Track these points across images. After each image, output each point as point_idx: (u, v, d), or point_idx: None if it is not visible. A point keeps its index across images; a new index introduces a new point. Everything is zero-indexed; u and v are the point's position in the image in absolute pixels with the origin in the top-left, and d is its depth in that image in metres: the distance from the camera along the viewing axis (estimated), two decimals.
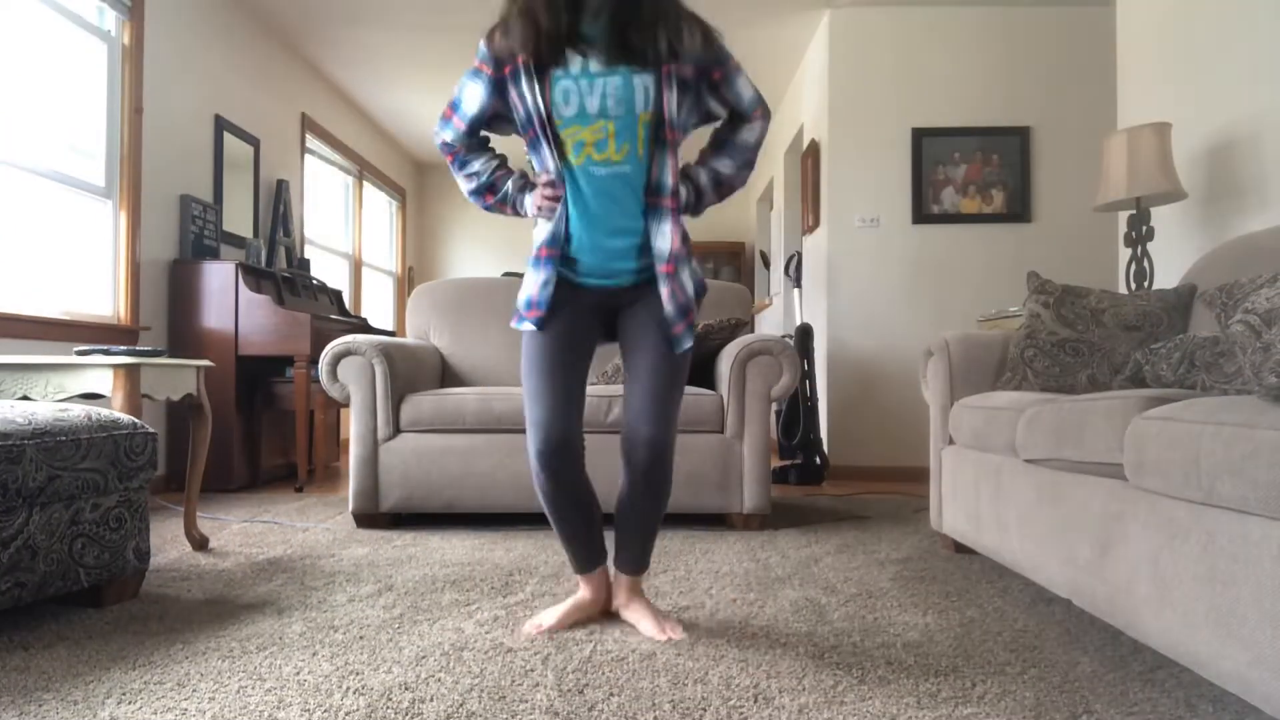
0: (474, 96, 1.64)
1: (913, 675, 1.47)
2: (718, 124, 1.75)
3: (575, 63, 1.54)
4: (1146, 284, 2.89)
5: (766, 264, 6.20)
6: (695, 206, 1.72)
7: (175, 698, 1.35)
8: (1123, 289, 3.15)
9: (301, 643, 1.63)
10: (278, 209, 4.85)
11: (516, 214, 1.70)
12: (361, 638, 1.66)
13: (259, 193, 4.75)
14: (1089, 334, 2.27)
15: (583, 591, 1.81)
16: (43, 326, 3.06)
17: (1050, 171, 4.50)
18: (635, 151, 1.56)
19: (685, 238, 1.65)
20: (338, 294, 5.02)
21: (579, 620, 1.76)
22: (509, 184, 1.69)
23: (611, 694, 1.37)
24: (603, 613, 1.82)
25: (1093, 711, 1.31)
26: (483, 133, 1.73)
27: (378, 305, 7.00)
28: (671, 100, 1.54)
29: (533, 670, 1.48)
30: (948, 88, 4.53)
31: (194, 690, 1.39)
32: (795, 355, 2.91)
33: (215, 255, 4.13)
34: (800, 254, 5.01)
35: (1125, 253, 3.12)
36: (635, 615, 1.75)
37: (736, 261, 7.82)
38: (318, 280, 4.81)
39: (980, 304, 4.47)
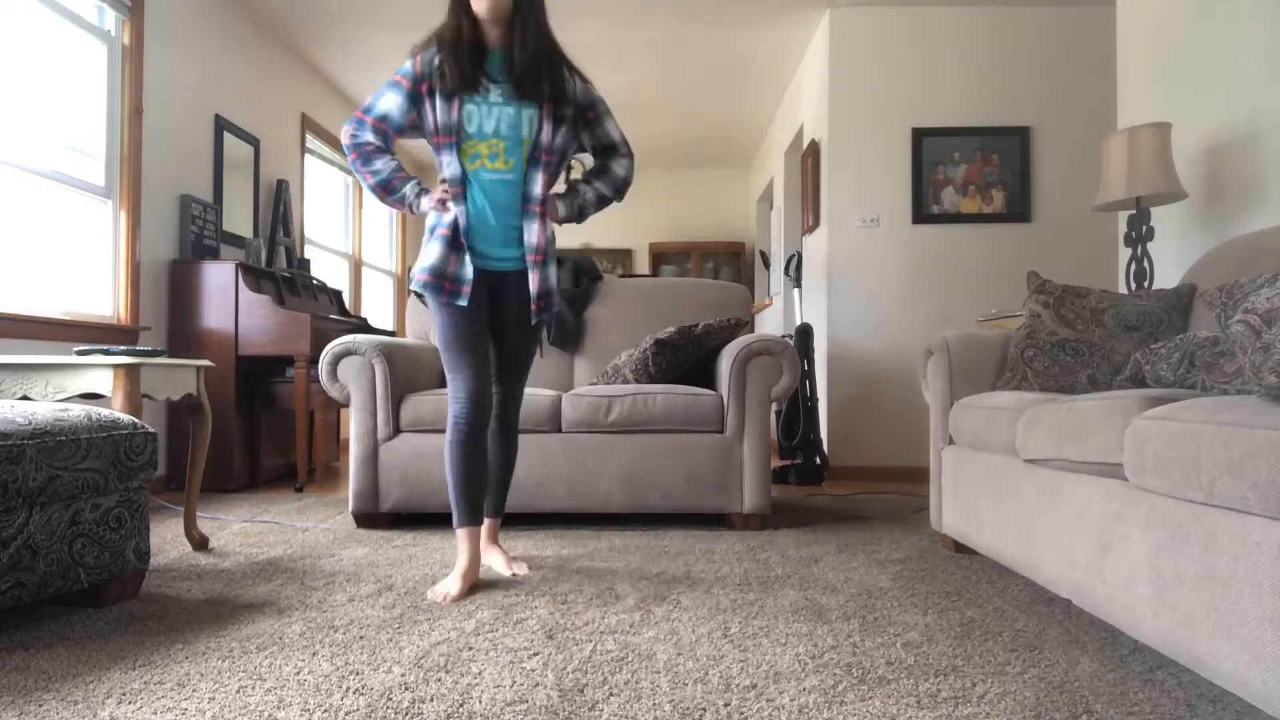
0: (393, 103, 2.04)
1: (913, 675, 1.47)
2: (594, 160, 2.23)
3: (481, 92, 2.01)
4: (1146, 284, 2.89)
5: (766, 264, 6.20)
6: (580, 214, 2.18)
7: (175, 698, 1.35)
8: (1123, 289, 3.15)
9: (301, 643, 1.63)
10: (278, 209, 4.85)
11: (411, 212, 2.09)
12: (361, 638, 1.66)
13: (259, 193, 4.75)
14: (1089, 334, 2.27)
15: (466, 555, 2.06)
16: (43, 326, 3.06)
17: (1050, 171, 4.50)
18: (520, 165, 2.03)
19: (551, 239, 2.14)
20: (338, 294, 5.02)
21: (476, 580, 2.09)
22: (406, 188, 2.06)
23: (611, 694, 1.37)
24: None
25: (1093, 711, 1.31)
26: (398, 140, 2.12)
27: (378, 305, 7.00)
28: (547, 130, 2.03)
29: (533, 670, 1.48)
30: (948, 88, 4.53)
31: (194, 690, 1.39)
32: (795, 355, 2.91)
33: (215, 255, 4.13)
34: (800, 254, 5.01)
35: (1125, 253, 3.12)
36: (491, 557, 2.24)
37: (736, 261, 7.82)
38: (318, 280, 4.81)
39: (980, 304, 4.47)
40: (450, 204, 2.02)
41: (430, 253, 2.04)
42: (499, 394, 2.21)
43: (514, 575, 2.16)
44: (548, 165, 2.04)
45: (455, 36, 1.99)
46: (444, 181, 2.02)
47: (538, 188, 2.04)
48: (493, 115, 2.00)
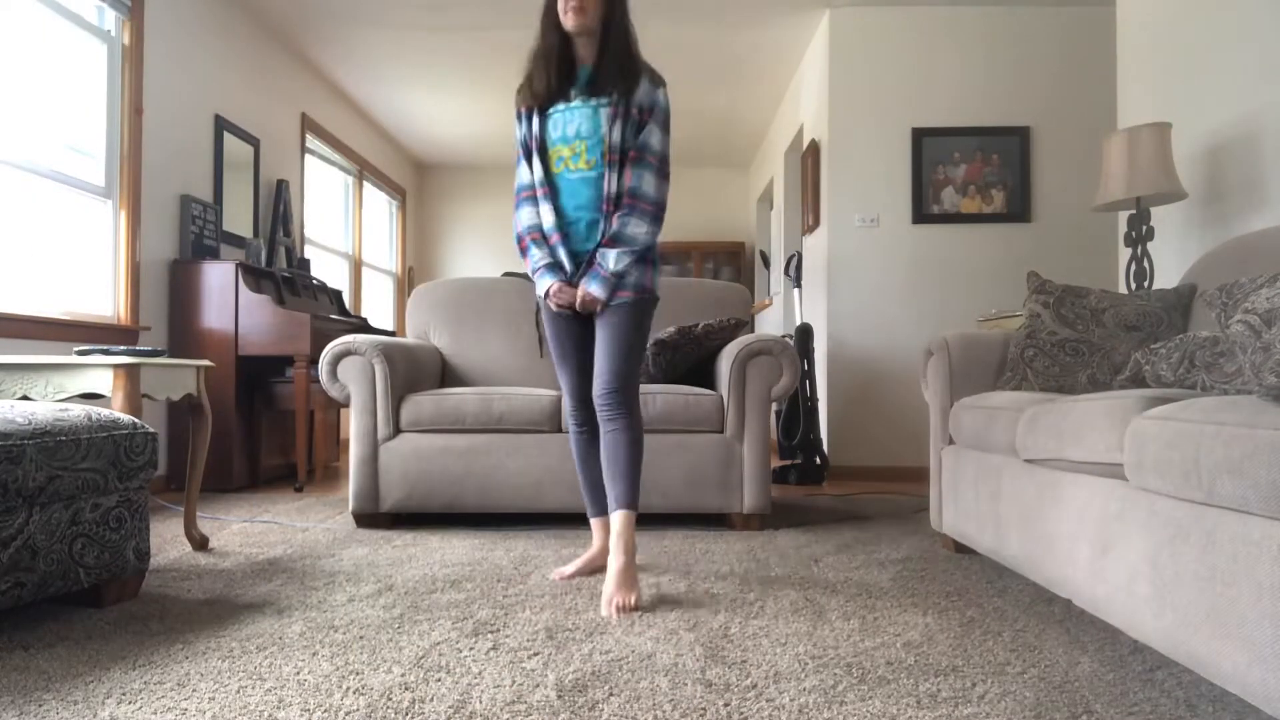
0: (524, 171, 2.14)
1: (913, 675, 1.47)
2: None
3: (565, 100, 2.08)
4: (1146, 284, 2.89)
5: (766, 264, 6.20)
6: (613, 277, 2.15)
7: (175, 698, 1.35)
8: (1123, 289, 3.15)
9: (301, 643, 1.63)
10: (278, 209, 4.85)
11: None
12: (361, 638, 1.66)
13: (259, 193, 4.75)
14: (1089, 334, 2.27)
15: (596, 542, 2.26)
16: (43, 326, 3.06)
17: (1050, 171, 4.50)
18: (600, 164, 2.06)
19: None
20: (338, 294, 5.02)
21: (594, 568, 2.21)
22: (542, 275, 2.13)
23: (611, 694, 1.37)
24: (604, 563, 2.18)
25: (1093, 711, 1.31)
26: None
27: (378, 305, 7.00)
28: (616, 129, 2.04)
29: (533, 670, 1.48)
30: (948, 88, 4.53)
31: (194, 690, 1.39)
32: (795, 355, 2.91)
33: (215, 255, 4.13)
34: (800, 254, 5.00)
35: (1125, 253, 3.12)
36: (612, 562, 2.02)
37: (736, 261, 7.81)
38: (318, 280, 4.81)
39: (980, 304, 4.47)
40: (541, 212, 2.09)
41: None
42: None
43: (611, 611, 1.87)
44: (612, 165, 2.04)
45: (547, 52, 2.06)
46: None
47: (614, 186, 2.04)
48: (574, 118, 2.05)
